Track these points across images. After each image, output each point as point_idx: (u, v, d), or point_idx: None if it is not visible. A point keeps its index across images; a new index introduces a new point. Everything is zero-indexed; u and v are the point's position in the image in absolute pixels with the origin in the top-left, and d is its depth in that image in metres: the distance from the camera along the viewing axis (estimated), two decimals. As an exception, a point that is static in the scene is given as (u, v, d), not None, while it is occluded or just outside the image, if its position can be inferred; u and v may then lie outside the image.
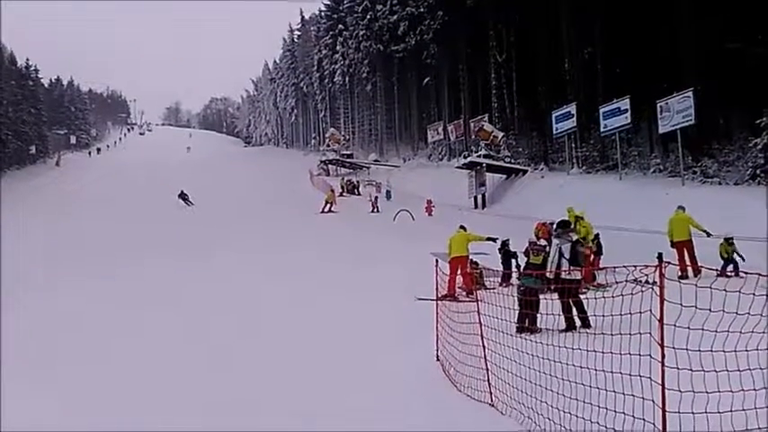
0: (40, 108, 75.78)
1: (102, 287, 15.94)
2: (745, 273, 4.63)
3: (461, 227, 15.30)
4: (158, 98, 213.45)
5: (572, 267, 9.33)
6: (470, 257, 14.41)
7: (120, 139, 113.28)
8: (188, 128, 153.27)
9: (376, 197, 37.70)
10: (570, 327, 8.27)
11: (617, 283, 5.29)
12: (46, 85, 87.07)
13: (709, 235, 14.37)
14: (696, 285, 4.22)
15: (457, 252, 14.24)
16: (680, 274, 12.21)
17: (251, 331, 10.75)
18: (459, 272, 13.75)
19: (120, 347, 10.01)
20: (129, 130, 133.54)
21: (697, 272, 12.86)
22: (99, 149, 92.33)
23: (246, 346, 9.76)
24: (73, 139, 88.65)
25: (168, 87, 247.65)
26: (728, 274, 11.94)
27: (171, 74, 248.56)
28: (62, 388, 8.02)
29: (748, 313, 4.27)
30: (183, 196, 38.72)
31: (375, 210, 34.94)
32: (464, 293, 13.04)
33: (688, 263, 13.81)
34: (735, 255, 13.60)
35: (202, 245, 23.08)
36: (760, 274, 4.61)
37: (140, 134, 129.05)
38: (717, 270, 4.45)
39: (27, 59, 75.87)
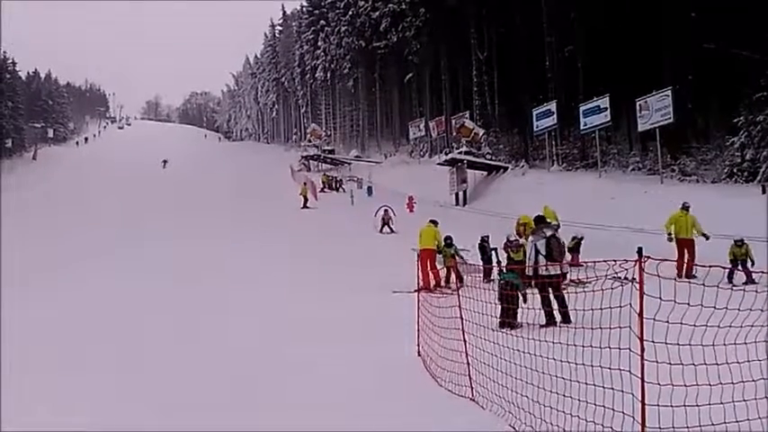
0: (18, 101, 74.76)
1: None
2: (762, 272, 4.62)
3: (432, 221, 15.47)
4: (138, 92, 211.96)
5: (548, 263, 9.47)
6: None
7: (98, 132, 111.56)
8: (168, 122, 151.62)
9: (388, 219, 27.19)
10: (551, 321, 8.34)
11: (597, 278, 5.33)
12: (23, 78, 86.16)
13: (707, 238, 14.35)
14: (675, 280, 4.27)
15: (425, 244, 14.50)
16: (677, 272, 11.55)
17: (210, 331, 10.41)
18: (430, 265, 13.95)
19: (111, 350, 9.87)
20: (108, 123, 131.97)
21: (691, 270, 12.80)
22: (87, 139, 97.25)
23: (208, 343, 9.59)
24: (50, 133, 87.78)
25: (148, 81, 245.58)
26: (734, 283, 10.66)
27: (151, 67, 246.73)
28: None
29: (726, 308, 4.32)
30: None
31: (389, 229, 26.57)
32: (444, 288, 13.13)
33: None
34: (747, 258, 13.39)
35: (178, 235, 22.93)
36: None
37: (119, 128, 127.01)
38: (707, 266, 4.44)
39: (4, 53, 75.10)
